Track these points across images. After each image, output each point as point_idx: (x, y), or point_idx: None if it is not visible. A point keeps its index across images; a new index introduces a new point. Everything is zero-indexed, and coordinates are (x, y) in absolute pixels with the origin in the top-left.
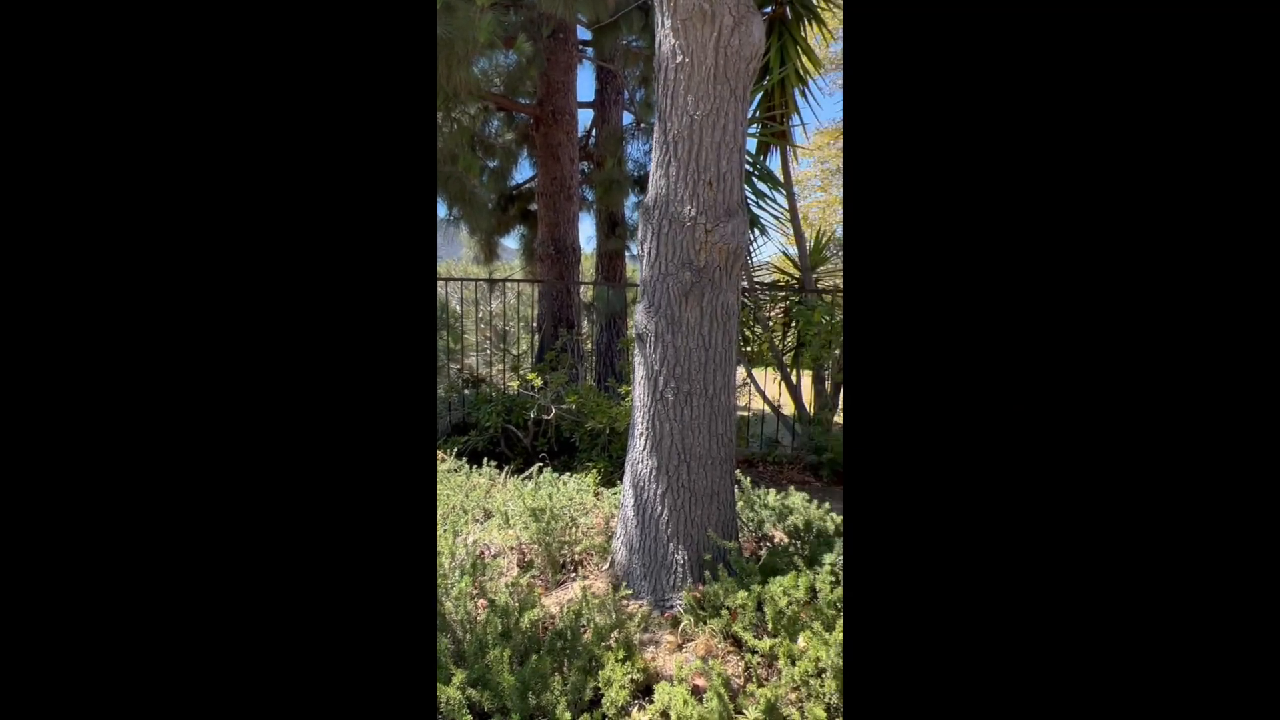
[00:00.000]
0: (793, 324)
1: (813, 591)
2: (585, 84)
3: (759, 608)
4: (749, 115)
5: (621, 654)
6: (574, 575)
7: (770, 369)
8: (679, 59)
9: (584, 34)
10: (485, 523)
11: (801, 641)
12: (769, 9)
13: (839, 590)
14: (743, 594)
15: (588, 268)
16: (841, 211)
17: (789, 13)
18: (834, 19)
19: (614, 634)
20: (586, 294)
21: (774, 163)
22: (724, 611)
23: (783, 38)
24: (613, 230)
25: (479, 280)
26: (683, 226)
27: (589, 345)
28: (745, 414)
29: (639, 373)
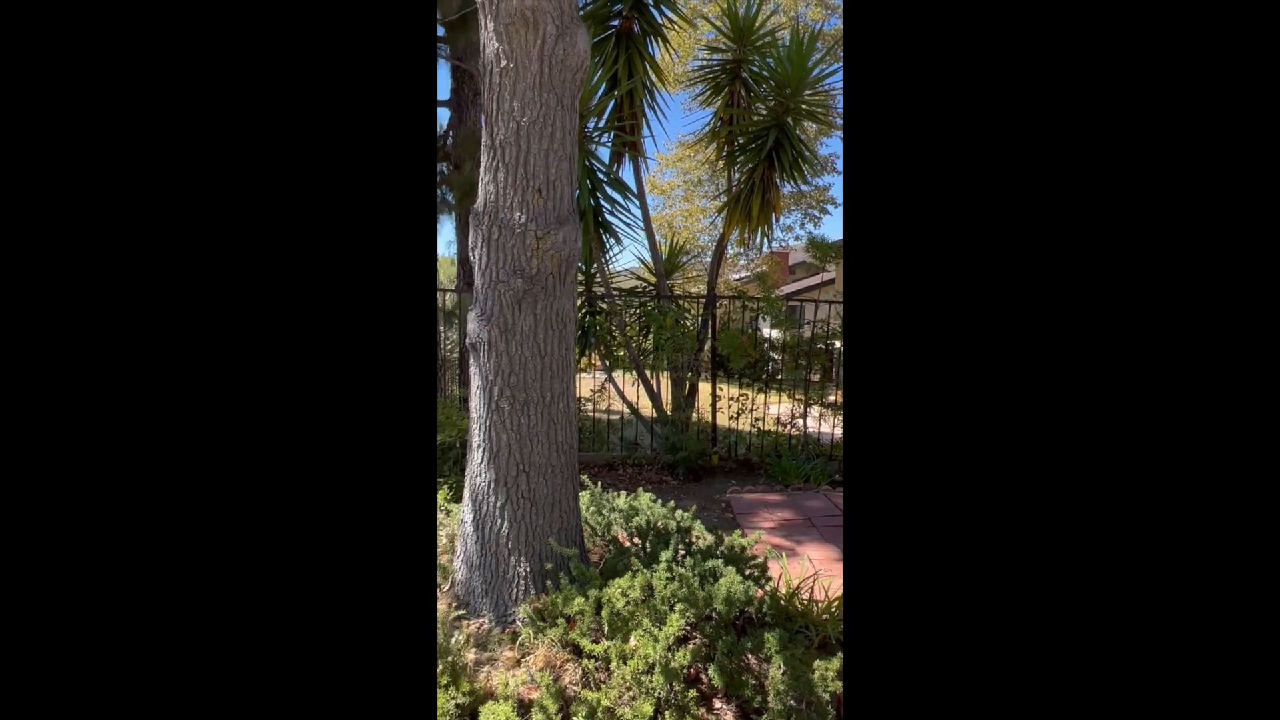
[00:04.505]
0: (650, 329)
1: (649, 589)
2: (442, 82)
3: (598, 611)
4: (602, 125)
5: (445, 680)
6: None
7: (630, 373)
8: (503, 63)
9: (438, 30)
10: None
11: (633, 640)
12: (615, 22)
13: (672, 586)
14: (580, 600)
15: (451, 274)
16: (704, 220)
17: (636, 28)
18: (680, 38)
19: (441, 659)
20: (447, 301)
21: (629, 173)
22: (561, 620)
23: (630, 51)
24: None
25: None
26: (513, 233)
27: (454, 355)
28: (607, 417)
29: (475, 383)
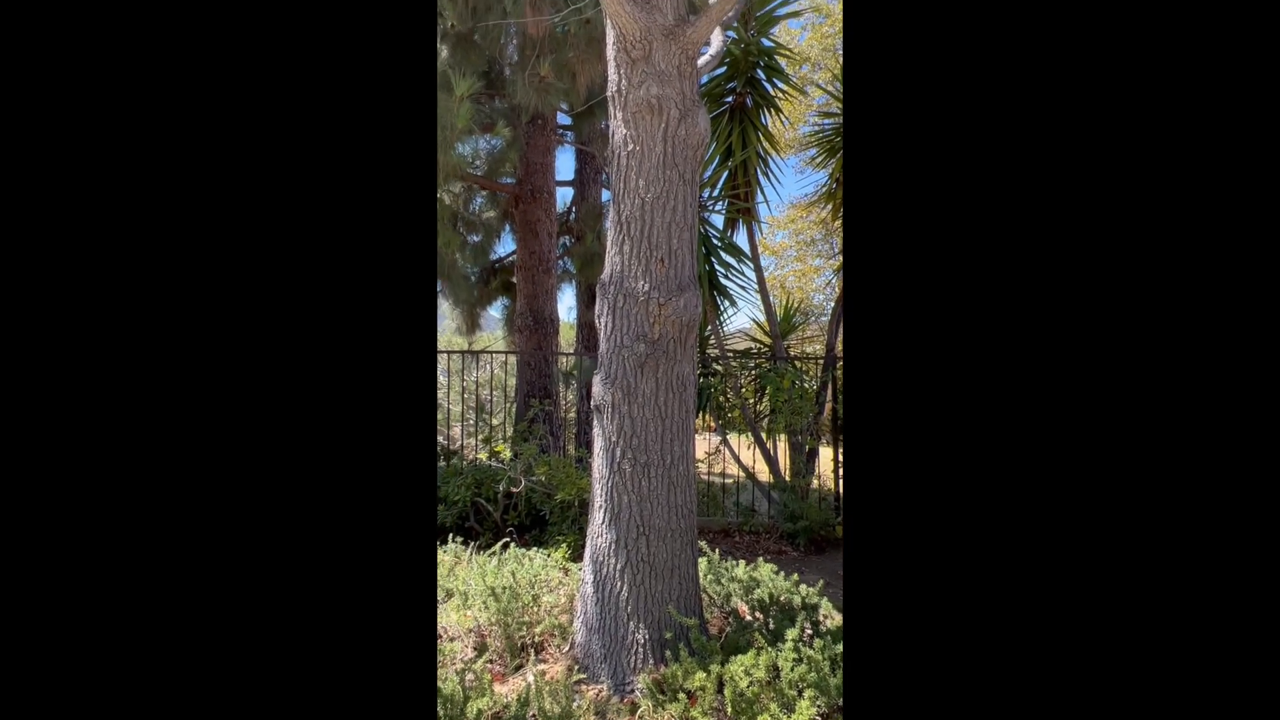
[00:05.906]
0: (765, 391)
1: (775, 670)
2: (567, 164)
3: (719, 689)
4: (716, 194)
5: None
6: (534, 658)
7: (746, 436)
8: (630, 147)
9: (564, 119)
10: (444, 604)
11: None
12: (729, 99)
13: (800, 669)
14: (701, 675)
15: (571, 338)
16: (816, 280)
17: (749, 101)
18: (791, 106)
19: None
20: (567, 364)
21: (742, 238)
22: (682, 695)
23: (743, 123)
24: (592, 302)
25: (456, 352)
26: (637, 301)
27: (570, 415)
28: (722, 481)
29: (597, 444)
